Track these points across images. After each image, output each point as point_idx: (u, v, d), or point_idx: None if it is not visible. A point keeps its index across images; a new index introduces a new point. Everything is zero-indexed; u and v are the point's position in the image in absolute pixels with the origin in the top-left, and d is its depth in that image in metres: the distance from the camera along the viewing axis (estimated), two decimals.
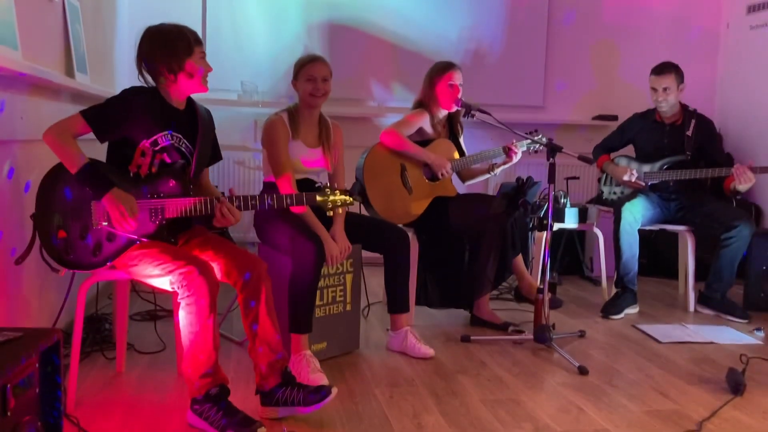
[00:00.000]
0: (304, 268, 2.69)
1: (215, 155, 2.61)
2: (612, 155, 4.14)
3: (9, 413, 1.55)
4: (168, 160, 2.36)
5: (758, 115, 4.95)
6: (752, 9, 5.07)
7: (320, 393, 2.29)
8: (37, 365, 1.70)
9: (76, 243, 2.23)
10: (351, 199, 2.41)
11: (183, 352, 2.23)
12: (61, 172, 2.23)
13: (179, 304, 2.18)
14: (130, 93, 2.33)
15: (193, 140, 2.44)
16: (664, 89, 3.83)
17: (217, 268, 2.31)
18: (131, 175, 2.32)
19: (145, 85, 2.40)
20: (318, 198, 2.38)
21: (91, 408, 2.35)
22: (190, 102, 2.48)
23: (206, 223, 2.41)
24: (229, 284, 2.35)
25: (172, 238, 2.34)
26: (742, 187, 3.68)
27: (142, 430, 2.22)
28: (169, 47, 2.33)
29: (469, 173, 3.70)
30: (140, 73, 2.39)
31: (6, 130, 2.31)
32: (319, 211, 2.54)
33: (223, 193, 2.41)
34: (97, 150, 2.38)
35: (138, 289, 3.43)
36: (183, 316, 2.18)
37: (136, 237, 2.25)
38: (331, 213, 2.43)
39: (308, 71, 2.89)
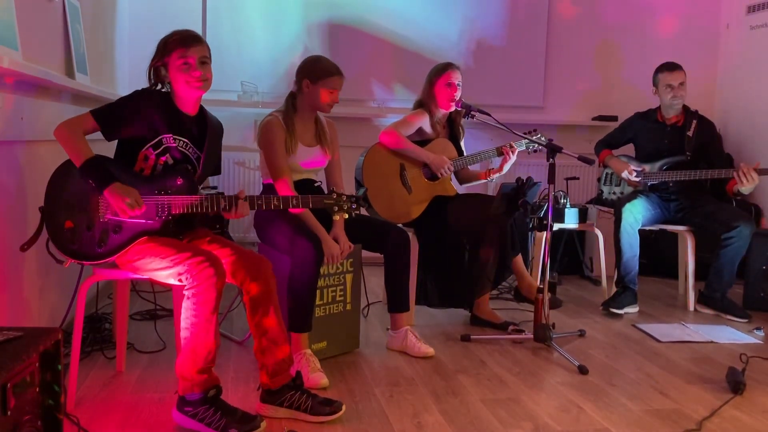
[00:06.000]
0: (303, 268, 2.69)
1: (216, 168, 2.61)
2: (613, 153, 4.15)
3: (9, 413, 1.55)
4: (171, 163, 2.37)
5: (758, 115, 4.94)
6: (752, 9, 5.07)
7: (332, 406, 2.30)
8: (37, 365, 1.70)
9: (82, 234, 2.26)
10: (357, 205, 2.42)
11: (180, 347, 2.22)
12: (71, 166, 2.26)
13: (183, 296, 2.17)
14: (140, 94, 2.37)
15: (201, 146, 2.45)
16: (680, 84, 3.85)
17: None
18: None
19: (158, 89, 2.41)
20: (325, 202, 2.40)
21: (91, 408, 2.35)
22: (201, 110, 2.50)
23: (209, 225, 2.41)
24: (233, 284, 2.35)
25: (178, 234, 2.35)
26: (746, 188, 3.64)
27: (142, 430, 2.22)
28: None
29: (466, 176, 3.70)
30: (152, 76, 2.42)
31: (6, 130, 2.31)
32: (321, 211, 2.54)
33: (223, 194, 2.41)
34: (103, 150, 2.38)
35: (138, 288, 3.44)
36: (187, 307, 2.16)
37: (144, 221, 2.25)
38: (338, 217, 2.44)
39: (334, 83, 2.89)
